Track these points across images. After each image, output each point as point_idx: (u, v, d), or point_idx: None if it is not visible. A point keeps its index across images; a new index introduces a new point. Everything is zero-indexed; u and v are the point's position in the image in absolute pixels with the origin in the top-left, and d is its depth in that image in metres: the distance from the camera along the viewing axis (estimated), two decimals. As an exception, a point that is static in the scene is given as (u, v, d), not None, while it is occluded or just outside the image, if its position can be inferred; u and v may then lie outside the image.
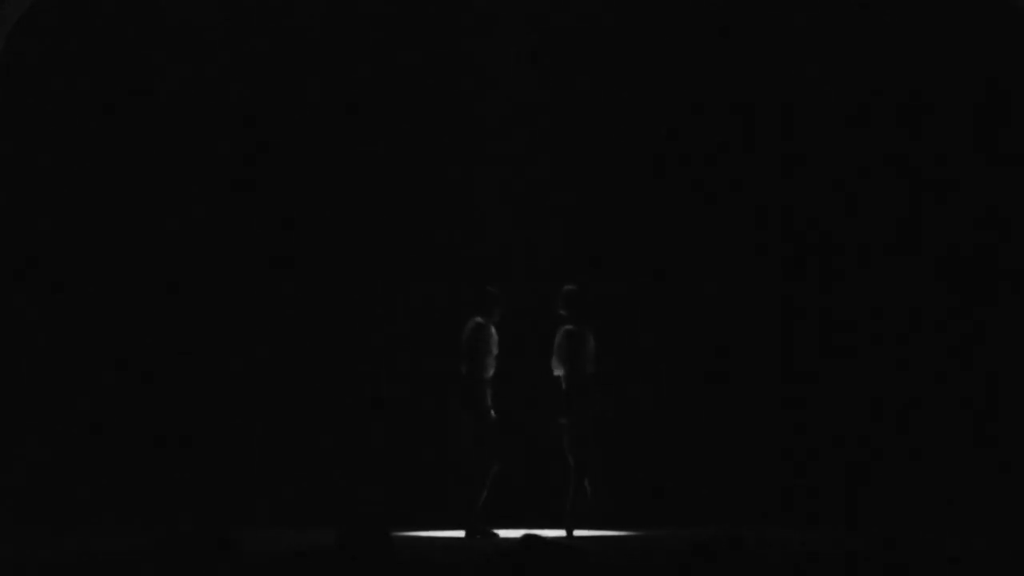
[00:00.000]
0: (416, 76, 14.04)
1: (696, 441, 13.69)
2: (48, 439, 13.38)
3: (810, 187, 13.81)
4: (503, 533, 11.93)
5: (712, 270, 13.86)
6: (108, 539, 11.43)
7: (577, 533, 12.00)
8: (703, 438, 13.68)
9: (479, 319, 12.06)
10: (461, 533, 12.02)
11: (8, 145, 13.45)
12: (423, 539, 11.84)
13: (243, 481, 13.55)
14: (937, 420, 13.42)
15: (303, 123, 13.98)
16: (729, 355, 13.76)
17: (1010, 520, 12.65)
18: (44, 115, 13.62)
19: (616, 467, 13.51)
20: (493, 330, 12.11)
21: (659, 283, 13.88)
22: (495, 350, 12.07)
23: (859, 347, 13.66)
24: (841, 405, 13.60)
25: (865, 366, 13.63)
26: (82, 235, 13.69)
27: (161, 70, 13.78)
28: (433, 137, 14.07)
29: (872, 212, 13.75)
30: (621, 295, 13.84)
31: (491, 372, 12.05)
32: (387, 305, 14.01)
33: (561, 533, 11.93)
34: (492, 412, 12.02)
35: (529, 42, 13.95)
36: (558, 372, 12.22)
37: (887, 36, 13.69)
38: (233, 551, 7.68)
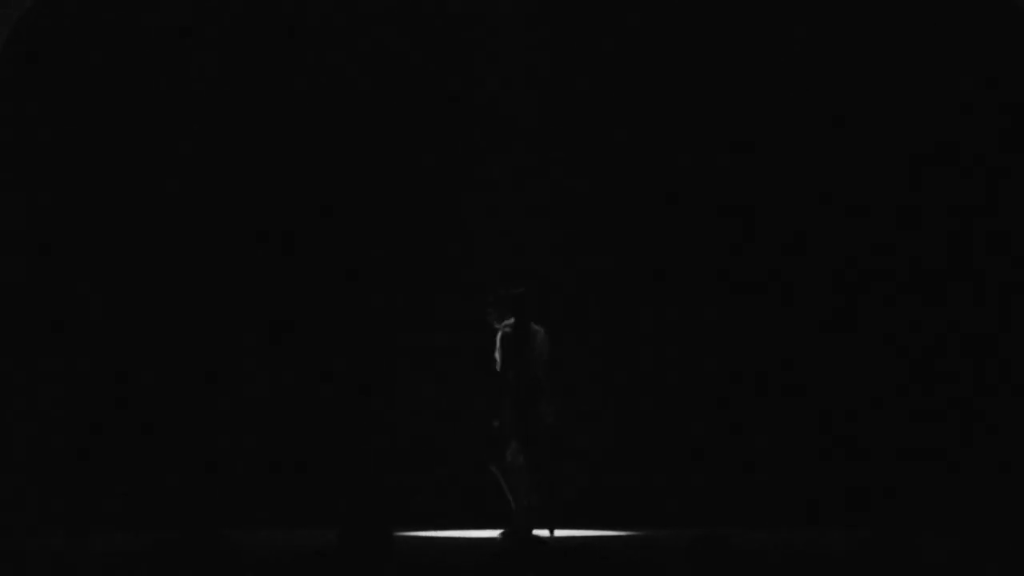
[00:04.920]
0: (415, 75, 14.07)
1: (695, 441, 13.69)
2: (47, 439, 13.38)
3: (809, 190, 13.82)
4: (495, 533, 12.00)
5: (709, 271, 13.86)
6: (108, 539, 11.43)
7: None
8: (701, 438, 13.69)
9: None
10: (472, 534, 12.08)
11: (8, 145, 13.46)
12: (424, 539, 11.85)
13: (243, 481, 13.55)
14: (937, 419, 13.44)
15: (301, 122, 13.98)
16: (726, 353, 13.77)
17: (1008, 519, 12.67)
18: (44, 115, 13.62)
19: (615, 467, 13.56)
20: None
21: (656, 283, 13.87)
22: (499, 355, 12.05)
23: (858, 345, 13.66)
24: (839, 403, 13.60)
25: (864, 364, 13.63)
26: (82, 234, 13.69)
27: (162, 70, 13.78)
28: (431, 138, 14.09)
29: (870, 213, 13.76)
30: (619, 295, 13.87)
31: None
32: (389, 304, 14.01)
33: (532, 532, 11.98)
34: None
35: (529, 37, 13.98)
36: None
37: (886, 36, 13.71)
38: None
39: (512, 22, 13.98)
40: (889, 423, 13.52)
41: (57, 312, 13.56)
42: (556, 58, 13.99)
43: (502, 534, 12.00)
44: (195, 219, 13.86)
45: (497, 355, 11.85)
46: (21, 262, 13.52)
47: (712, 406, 13.72)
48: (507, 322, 11.94)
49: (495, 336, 11.87)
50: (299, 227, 13.96)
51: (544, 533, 11.90)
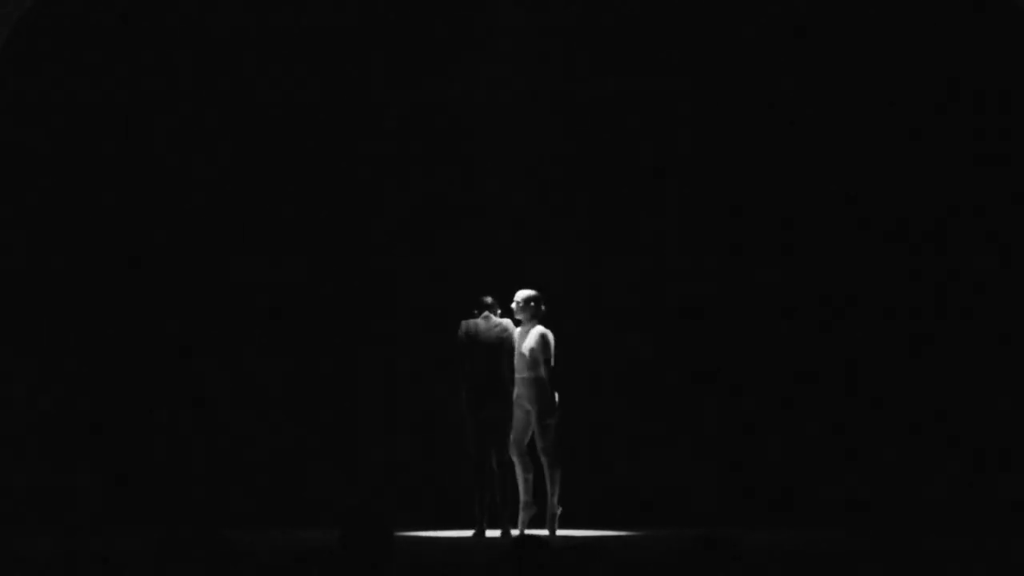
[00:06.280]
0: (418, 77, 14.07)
1: (695, 441, 13.69)
2: (47, 438, 13.38)
3: (808, 185, 13.81)
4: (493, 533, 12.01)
5: (708, 270, 13.84)
6: (107, 539, 11.43)
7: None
8: (701, 437, 13.69)
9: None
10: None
11: (8, 145, 13.46)
12: (426, 539, 11.85)
13: (242, 481, 13.54)
14: (940, 417, 13.44)
15: (300, 124, 13.97)
16: (726, 353, 13.76)
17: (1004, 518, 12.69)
18: (44, 115, 13.62)
19: (615, 467, 13.56)
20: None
21: (656, 283, 13.86)
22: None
23: (857, 344, 13.66)
24: (841, 404, 13.61)
25: (865, 364, 13.63)
26: (82, 235, 13.69)
27: (163, 70, 13.77)
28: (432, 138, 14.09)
29: (866, 209, 13.76)
30: (618, 295, 13.86)
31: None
32: (390, 304, 14.01)
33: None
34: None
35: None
36: (541, 373, 12.16)
37: (885, 34, 13.70)
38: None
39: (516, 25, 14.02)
40: (889, 423, 13.52)
41: (56, 311, 13.57)
42: (553, 61, 14.01)
43: (501, 534, 12.00)
44: (195, 218, 13.86)
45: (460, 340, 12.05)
46: (19, 259, 13.52)
47: (713, 406, 13.72)
48: (476, 319, 12.04)
49: (459, 332, 12.08)
50: (298, 226, 13.95)
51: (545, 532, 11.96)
